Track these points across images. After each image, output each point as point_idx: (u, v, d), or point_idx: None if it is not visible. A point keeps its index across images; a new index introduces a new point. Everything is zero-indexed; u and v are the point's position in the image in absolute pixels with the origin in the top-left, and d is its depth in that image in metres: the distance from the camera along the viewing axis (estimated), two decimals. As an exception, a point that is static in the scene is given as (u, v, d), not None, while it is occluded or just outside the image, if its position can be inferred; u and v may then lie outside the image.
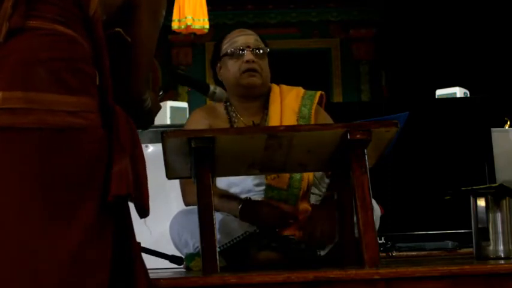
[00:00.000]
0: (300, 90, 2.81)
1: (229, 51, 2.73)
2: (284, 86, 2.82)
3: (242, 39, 2.74)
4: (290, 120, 2.70)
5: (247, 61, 2.68)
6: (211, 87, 2.54)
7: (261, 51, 2.73)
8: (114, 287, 1.64)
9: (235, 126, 2.73)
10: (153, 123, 2.08)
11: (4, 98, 1.58)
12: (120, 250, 1.68)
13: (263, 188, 2.65)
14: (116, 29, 1.81)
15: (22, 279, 1.54)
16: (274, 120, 2.71)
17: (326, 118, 2.76)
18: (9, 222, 1.55)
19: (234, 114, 2.76)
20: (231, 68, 2.71)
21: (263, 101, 2.76)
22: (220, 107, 2.78)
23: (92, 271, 1.60)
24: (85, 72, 1.66)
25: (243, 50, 2.71)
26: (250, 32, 2.81)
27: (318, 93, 2.80)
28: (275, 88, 2.80)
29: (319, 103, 2.78)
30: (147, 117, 2.00)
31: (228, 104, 2.76)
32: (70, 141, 1.61)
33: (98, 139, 1.65)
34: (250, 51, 2.71)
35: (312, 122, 2.71)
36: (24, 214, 1.56)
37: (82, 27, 1.69)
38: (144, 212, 1.75)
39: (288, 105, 2.74)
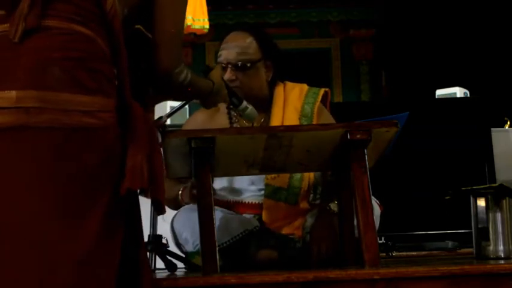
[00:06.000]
0: (304, 87, 2.79)
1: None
2: (288, 84, 2.80)
3: (224, 54, 2.69)
4: (292, 119, 2.69)
5: (227, 79, 2.66)
6: (244, 102, 2.50)
7: (245, 64, 2.67)
8: (119, 286, 1.65)
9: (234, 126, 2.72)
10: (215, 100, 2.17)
11: (18, 97, 1.58)
12: (128, 250, 1.68)
13: (263, 187, 2.65)
14: (136, 26, 1.82)
15: (36, 278, 1.54)
16: (276, 119, 2.70)
17: (328, 118, 2.75)
18: (22, 222, 1.55)
19: (235, 119, 2.75)
20: None
21: (265, 103, 2.75)
22: (222, 108, 2.76)
23: (103, 270, 1.60)
24: (101, 71, 1.66)
25: (224, 67, 2.68)
26: (235, 41, 2.71)
27: (322, 90, 2.77)
28: (279, 87, 2.78)
29: (323, 101, 2.77)
30: (186, 89, 1.99)
31: (231, 106, 2.75)
32: (83, 141, 1.61)
33: (112, 139, 1.65)
34: (231, 68, 2.67)
35: (314, 120, 2.70)
36: (37, 213, 1.56)
37: (100, 25, 1.69)
38: (160, 209, 1.76)
39: (290, 103, 2.73)
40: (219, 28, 7.75)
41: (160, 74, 1.87)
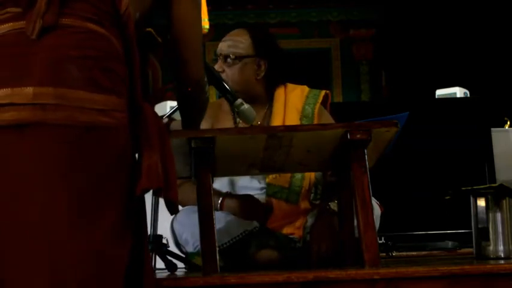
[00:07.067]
0: (305, 88, 2.81)
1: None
2: (289, 85, 2.83)
3: (219, 46, 2.77)
4: (293, 119, 2.71)
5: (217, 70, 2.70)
6: (239, 100, 2.47)
7: (232, 58, 2.72)
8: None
9: (239, 125, 2.73)
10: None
11: (35, 94, 1.58)
12: (133, 249, 1.68)
13: (264, 186, 2.65)
14: (147, 29, 1.83)
15: (44, 275, 1.53)
16: (277, 120, 2.71)
17: (328, 119, 2.76)
18: (33, 220, 1.55)
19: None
20: None
21: (266, 101, 2.76)
22: (226, 106, 2.77)
23: (111, 270, 1.60)
24: (115, 71, 1.66)
25: (216, 58, 2.76)
26: (231, 36, 2.79)
27: (323, 92, 2.80)
28: (280, 88, 2.80)
29: (324, 103, 2.79)
30: (204, 106, 2.09)
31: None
32: (98, 140, 1.61)
33: (125, 139, 1.65)
34: (220, 59, 2.74)
35: (315, 121, 2.71)
36: (49, 211, 1.56)
37: (114, 25, 1.70)
38: (174, 208, 1.76)
39: (291, 104, 2.75)
40: (219, 28, 7.75)
41: (192, 86, 1.95)
